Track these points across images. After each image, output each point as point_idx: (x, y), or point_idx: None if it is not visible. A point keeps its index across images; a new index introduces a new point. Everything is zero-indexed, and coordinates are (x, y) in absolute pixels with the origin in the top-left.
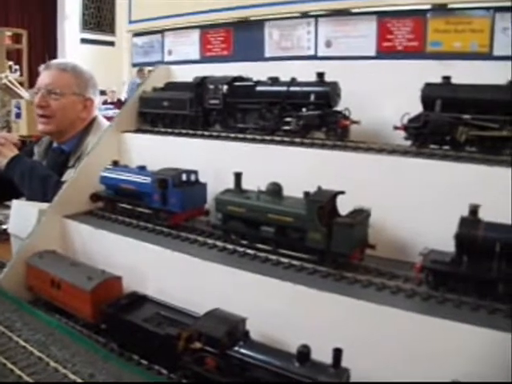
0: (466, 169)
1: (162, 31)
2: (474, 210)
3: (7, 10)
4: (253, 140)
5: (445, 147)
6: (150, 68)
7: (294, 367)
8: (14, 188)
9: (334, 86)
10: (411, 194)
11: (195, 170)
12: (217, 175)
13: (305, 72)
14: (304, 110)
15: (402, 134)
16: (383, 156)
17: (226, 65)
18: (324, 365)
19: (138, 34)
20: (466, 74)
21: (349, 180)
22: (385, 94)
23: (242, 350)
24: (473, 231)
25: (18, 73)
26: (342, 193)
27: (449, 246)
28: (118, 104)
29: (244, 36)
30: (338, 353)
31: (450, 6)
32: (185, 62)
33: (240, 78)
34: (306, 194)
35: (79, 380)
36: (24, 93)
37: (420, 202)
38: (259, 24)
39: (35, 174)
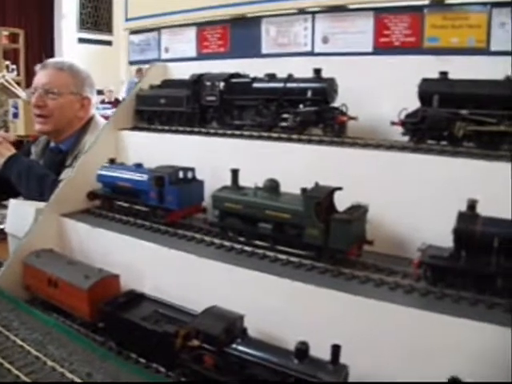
0: (463, 164)
1: (158, 29)
2: (472, 204)
3: (4, 10)
4: (250, 137)
5: (442, 142)
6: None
7: (292, 364)
8: (12, 187)
9: (331, 82)
10: (409, 190)
11: (192, 167)
12: (214, 172)
13: (302, 68)
14: (301, 106)
15: (400, 129)
16: (381, 152)
17: (223, 62)
18: (322, 361)
19: (134, 32)
20: (463, 69)
21: (346, 176)
22: (382, 89)
23: (240, 348)
24: (471, 226)
25: (15, 72)
26: (340, 189)
27: (447, 241)
28: (116, 103)
29: (241, 33)
30: (336, 349)
31: (447, 1)
32: (181, 60)
33: (237, 75)
34: (304, 190)
35: (77, 379)
36: (21, 93)
37: (418, 198)
38: (256, 20)
39: (32, 173)
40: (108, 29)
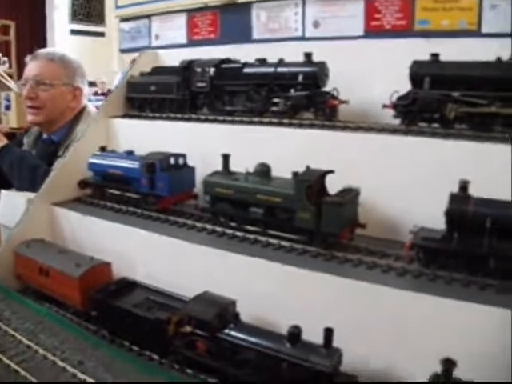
0: (455, 146)
1: (148, 16)
2: (463, 185)
3: None
4: (241, 122)
5: (434, 125)
6: None
7: (284, 348)
8: (4, 178)
9: (322, 66)
10: (401, 173)
11: (183, 153)
12: (205, 159)
13: (293, 53)
14: (292, 90)
15: (391, 112)
16: (372, 135)
17: (214, 48)
18: (315, 345)
19: (125, 20)
20: (454, 51)
21: (338, 160)
22: (373, 73)
23: (233, 333)
24: (463, 207)
25: (7, 65)
26: (331, 172)
27: (439, 224)
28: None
29: (231, 19)
30: (329, 333)
31: None
32: (172, 47)
33: (227, 61)
34: (295, 173)
35: (69, 367)
36: (13, 85)
37: (410, 180)
38: (246, 6)
39: (25, 163)
40: (100, 20)
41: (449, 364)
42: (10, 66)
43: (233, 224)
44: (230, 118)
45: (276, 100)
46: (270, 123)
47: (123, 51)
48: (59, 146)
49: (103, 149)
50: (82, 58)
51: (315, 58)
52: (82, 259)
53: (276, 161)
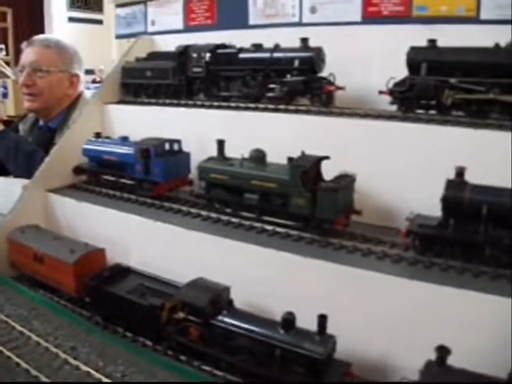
0: (452, 132)
1: (144, 1)
2: (460, 172)
3: None
4: (237, 108)
5: (431, 111)
6: None
7: (278, 335)
8: (2, 166)
9: (319, 51)
10: (397, 159)
11: (178, 139)
12: (201, 144)
13: (290, 39)
14: (288, 76)
15: (388, 99)
16: (368, 121)
17: (210, 33)
18: (309, 332)
19: (120, 5)
20: (452, 38)
21: (334, 146)
22: (370, 59)
23: (226, 319)
24: (459, 193)
25: (4, 52)
26: (327, 158)
27: (436, 211)
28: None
29: (228, 4)
30: (322, 319)
31: None
32: (168, 32)
33: (223, 46)
34: (290, 159)
35: (61, 353)
36: (10, 72)
37: (406, 167)
38: None
39: (21, 149)
40: (98, 7)
41: (443, 351)
42: (7, 54)
43: (228, 210)
44: (225, 104)
45: (272, 85)
46: (266, 109)
47: (119, 37)
48: (56, 133)
49: (98, 135)
50: (81, 45)
51: (312, 44)
52: (77, 245)
53: (272, 146)
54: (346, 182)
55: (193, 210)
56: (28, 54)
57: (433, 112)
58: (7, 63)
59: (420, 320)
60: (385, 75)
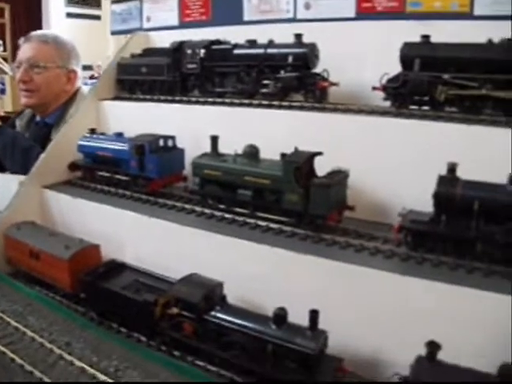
0: (445, 128)
1: None
2: (452, 168)
3: None
4: (231, 104)
5: (424, 108)
6: None
7: (270, 330)
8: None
9: (312, 47)
10: (390, 155)
11: (173, 135)
12: (196, 140)
13: (285, 35)
14: (282, 72)
15: (382, 95)
16: (362, 117)
17: (205, 30)
18: (301, 327)
19: (116, 2)
20: (446, 34)
21: (328, 142)
22: (364, 55)
23: (219, 315)
24: (451, 189)
25: (1, 48)
26: (320, 154)
27: (428, 206)
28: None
29: (223, 0)
30: (314, 315)
31: None
32: (164, 29)
33: (218, 42)
34: (283, 155)
35: (56, 349)
36: (8, 68)
37: (399, 163)
38: None
39: (17, 145)
40: (96, 3)
41: (433, 347)
42: (5, 50)
43: (221, 206)
44: (220, 100)
45: (266, 81)
46: (260, 105)
47: (114, 33)
48: (53, 129)
49: (93, 131)
50: (78, 41)
51: (306, 40)
52: (72, 241)
53: (266, 142)
54: (339, 177)
55: (187, 206)
56: (25, 49)
57: (426, 108)
58: (5, 59)
59: (412, 315)
60: (379, 71)
